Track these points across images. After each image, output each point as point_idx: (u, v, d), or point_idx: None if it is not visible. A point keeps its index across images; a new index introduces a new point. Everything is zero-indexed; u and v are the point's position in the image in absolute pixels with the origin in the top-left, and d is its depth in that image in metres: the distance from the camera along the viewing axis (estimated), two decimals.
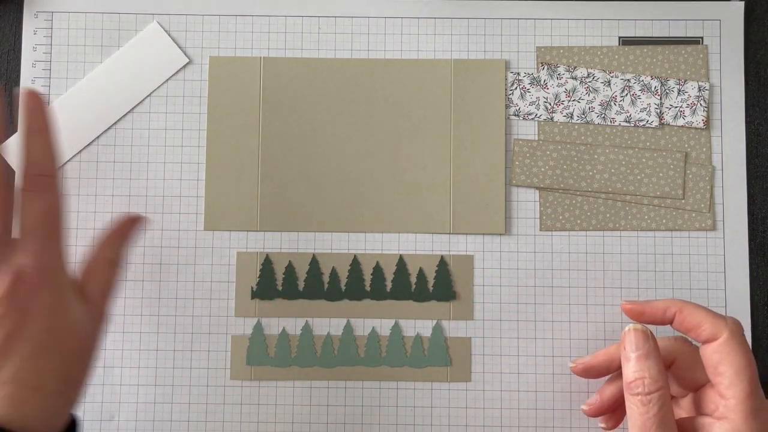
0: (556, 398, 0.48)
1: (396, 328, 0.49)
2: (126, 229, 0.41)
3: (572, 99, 0.50)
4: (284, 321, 0.49)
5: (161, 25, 0.51)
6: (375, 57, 0.51)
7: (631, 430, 0.34)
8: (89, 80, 0.50)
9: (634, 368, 0.34)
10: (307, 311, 0.49)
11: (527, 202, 0.50)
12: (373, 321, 0.49)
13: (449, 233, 0.50)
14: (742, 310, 0.49)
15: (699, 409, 0.36)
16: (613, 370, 0.40)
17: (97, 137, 0.50)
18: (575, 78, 0.49)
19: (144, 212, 0.50)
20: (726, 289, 0.49)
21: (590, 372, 0.41)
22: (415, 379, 0.48)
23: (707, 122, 0.50)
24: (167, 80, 0.51)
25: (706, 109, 0.49)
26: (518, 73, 0.50)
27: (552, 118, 0.50)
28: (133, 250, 0.49)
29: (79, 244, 0.49)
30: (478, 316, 0.49)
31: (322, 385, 0.49)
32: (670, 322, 0.37)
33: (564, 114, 0.50)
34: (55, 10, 0.51)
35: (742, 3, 0.51)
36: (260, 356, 0.48)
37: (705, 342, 0.34)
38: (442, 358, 0.48)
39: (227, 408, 0.48)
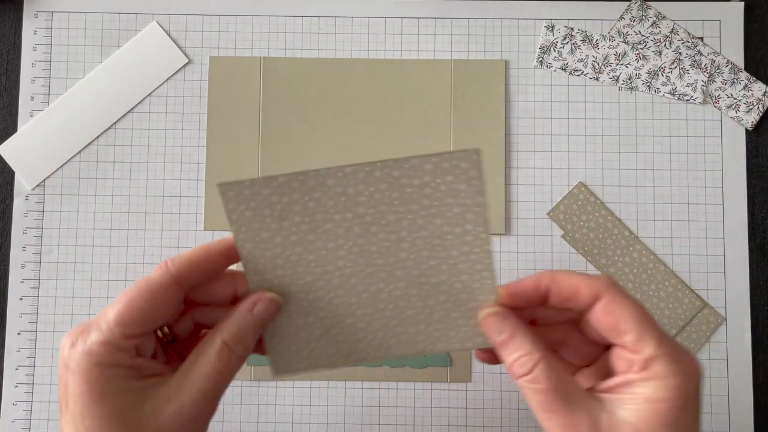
0: None
1: None
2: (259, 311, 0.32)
3: (621, 63, 0.50)
4: None
5: (161, 25, 0.51)
6: (375, 57, 0.51)
7: (536, 413, 0.30)
8: (89, 80, 0.50)
9: (506, 353, 0.30)
10: None
11: (527, 202, 0.50)
12: None
13: None
14: (742, 310, 0.49)
15: (612, 369, 0.31)
16: (542, 296, 0.31)
17: (97, 137, 0.50)
18: (627, 42, 0.49)
19: (144, 212, 0.50)
20: (726, 289, 0.49)
21: (516, 301, 0.32)
22: (415, 380, 0.48)
23: (756, 126, 0.50)
24: (167, 80, 0.51)
25: (761, 114, 0.50)
26: (572, 29, 0.50)
27: (597, 78, 0.50)
28: (132, 250, 0.49)
29: (79, 244, 0.49)
30: None
31: (322, 385, 0.49)
32: (546, 299, 0.31)
33: (610, 77, 0.50)
34: (55, 9, 0.51)
35: (742, 3, 0.51)
36: (260, 356, 0.48)
37: (587, 306, 0.30)
38: (442, 359, 0.48)
39: (227, 408, 0.48)
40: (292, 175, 0.29)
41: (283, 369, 0.33)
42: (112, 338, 0.29)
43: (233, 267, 0.32)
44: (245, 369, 0.48)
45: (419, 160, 0.29)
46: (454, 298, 0.32)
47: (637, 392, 0.29)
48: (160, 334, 0.32)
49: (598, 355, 0.33)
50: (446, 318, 0.32)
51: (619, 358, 0.31)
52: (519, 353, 0.30)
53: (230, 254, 0.32)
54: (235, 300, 0.33)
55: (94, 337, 0.29)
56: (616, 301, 0.30)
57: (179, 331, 0.33)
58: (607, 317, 0.30)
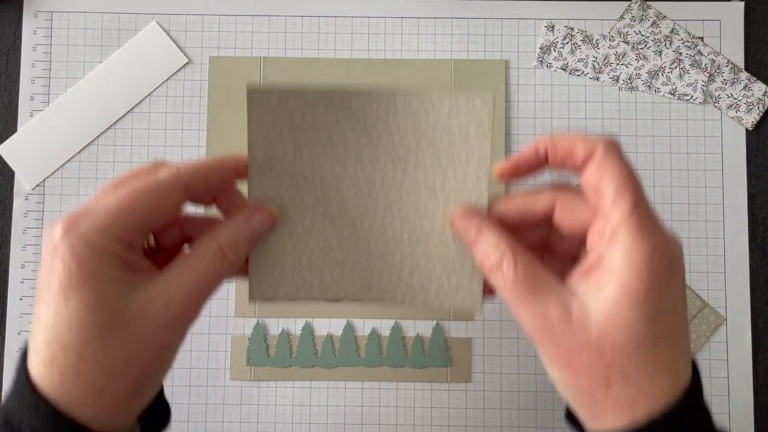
0: (555, 399, 0.48)
1: (396, 329, 0.49)
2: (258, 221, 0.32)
3: (621, 63, 0.50)
4: (284, 321, 0.49)
5: (161, 25, 0.51)
6: (375, 57, 0.51)
7: (509, 308, 0.29)
8: (89, 80, 0.50)
9: (475, 250, 0.30)
10: (307, 311, 0.49)
11: None
12: (373, 321, 0.49)
13: None
14: (742, 310, 0.49)
15: (589, 250, 0.30)
16: (542, 159, 0.31)
17: (97, 137, 0.50)
18: (627, 42, 0.49)
19: None
20: (726, 289, 0.49)
21: (519, 171, 0.32)
22: (415, 380, 0.48)
23: (755, 126, 0.50)
24: (167, 80, 0.51)
25: (761, 114, 0.50)
26: (572, 29, 0.50)
27: (598, 78, 0.50)
28: None
29: None
30: (478, 316, 0.49)
31: (322, 385, 0.49)
32: (547, 161, 0.31)
33: (610, 76, 0.50)
34: (55, 9, 0.51)
35: (742, 3, 0.51)
36: (260, 356, 0.48)
37: (582, 166, 0.29)
38: (442, 359, 0.48)
39: (227, 408, 0.48)
40: (320, 91, 0.30)
41: (261, 293, 0.33)
42: (109, 227, 0.28)
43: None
44: (245, 369, 0.48)
45: (439, 96, 0.30)
46: (442, 250, 0.32)
47: (606, 271, 0.27)
48: (145, 244, 0.31)
49: (579, 249, 0.32)
50: (431, 270, 0.32)
51: (593, 233, 0.29)
52: (486, 247, 0.30)
53: (240, 170, 0.32)
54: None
55: (90, 223, 0.28)
56: (607, 160, 0.28)
57: (164, 241, 0.32)
58: (592, 177, 0.28)
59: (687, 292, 0.49)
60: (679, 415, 0.27)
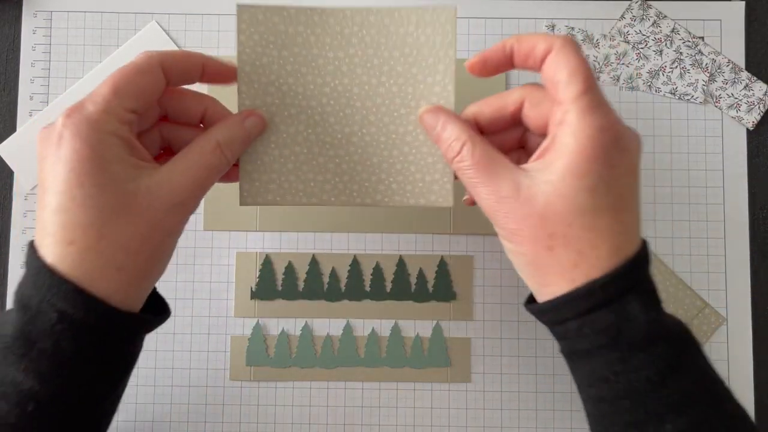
0: (556, 399, 0.48)
1: (396, 329, 0.49)
2: (251, 123, 0.35)
3: (621, 63, 0.50)
4: (284, 321, 0.49)
5: (160, 25, 0.51)
6: None
7: (468, 191, 0.33)
8: (88, 80, 0.50)
9: (441, 143, 0.34)
10: (306, 312, 0.49)
11: None
12: (373, 321, 0.49)
13: (449, 233, 0.49)
14: (742, 310, 0.49)
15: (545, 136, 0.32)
16: (508, 57, 0.33)
17: None
18: (628, 42, 0.49)
19: None
20: (726, 289, 0.49)
21: (487, 66, 0.34)
22: (415, 380, 0.48)
23: (756, 126, 0.50)
24: None
25: (762, 114, 0.49)
26: (572, 28, 0.50)
27: (598, 78, 0.50)
28: None
29: None
30: (478, 316, 0.49)
31: (322, 385, 0.48)
32: (512, 59, 0.33)
33: (611, 76, 0.50)
34: (54, 9, 0.51)
35: (743, 3, 0.51)
36: (260, 357, 0.48)
37: (542, 61, 0.31)
38: (442, 359, 0.48)
39: (227, 408, 0.48)
40: (300, 9, 0.35)
41: (252, 198, 0.36)
42: (113, 108, 0.30)
43: (204, 92, 0.35)
44: (245, 369, 0.48)
45: (407, 11, 0.35)
46: (416, 151, 0.36)
47: (556, 149, 0.30)
48: None
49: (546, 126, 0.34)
50: (406, 171, 0.36)
51: (552, 121, 0.31)
52: (449, 140, 0.33)
53: (207, 68, 0.34)
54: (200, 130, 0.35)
55: (93, 107, 0.29)
56: (563, 52, 0.31)
57: (146, 144, 0.33)
58: (549, 68, 0.31)
59: (688, 291, 0.49)
60: (616, 280, 0.29)
